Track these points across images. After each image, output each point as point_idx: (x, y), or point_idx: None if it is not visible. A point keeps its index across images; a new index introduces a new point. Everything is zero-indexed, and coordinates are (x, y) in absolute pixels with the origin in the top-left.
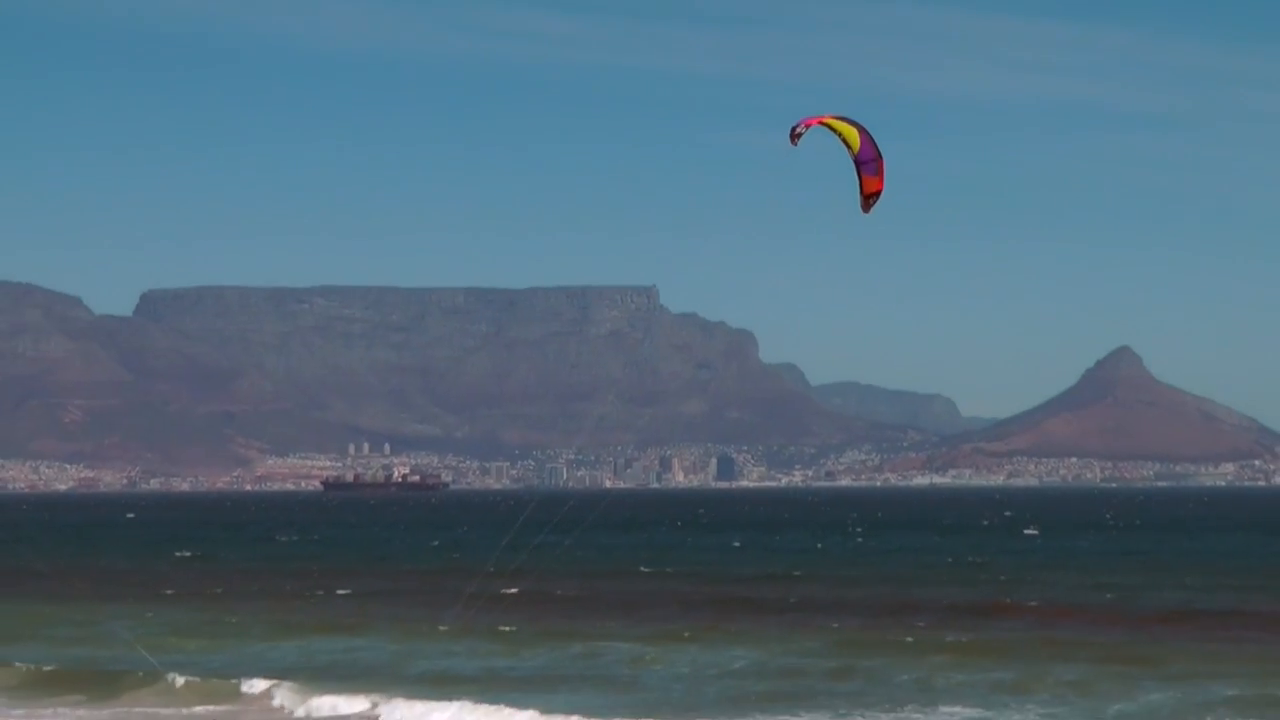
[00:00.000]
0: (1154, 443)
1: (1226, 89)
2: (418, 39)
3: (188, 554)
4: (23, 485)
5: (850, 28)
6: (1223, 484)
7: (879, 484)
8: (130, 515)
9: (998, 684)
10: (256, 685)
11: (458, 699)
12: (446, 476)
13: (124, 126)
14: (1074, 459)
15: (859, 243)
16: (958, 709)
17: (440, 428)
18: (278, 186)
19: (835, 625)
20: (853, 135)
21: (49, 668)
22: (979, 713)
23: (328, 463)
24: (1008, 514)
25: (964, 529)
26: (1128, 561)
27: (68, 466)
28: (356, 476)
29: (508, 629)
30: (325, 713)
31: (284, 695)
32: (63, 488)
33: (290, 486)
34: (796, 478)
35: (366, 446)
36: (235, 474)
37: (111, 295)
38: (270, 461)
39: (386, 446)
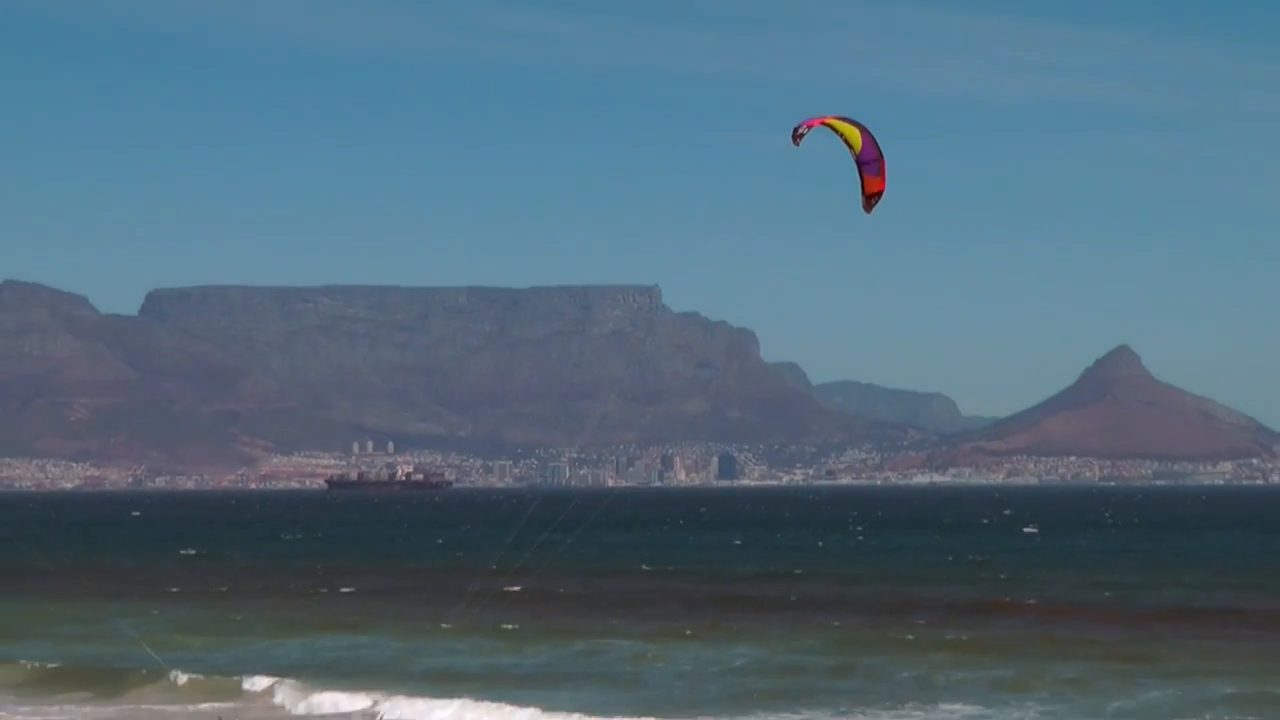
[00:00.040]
0: (1153, 442)
1: (1225, 89)
2: (421, 40)
3: (193, 552)
4: (29, 483)
5: (851, 28)
6: (1221, 483)
7: (879, 483)
8: (136, 513)
9: (998, 682)
10: (258, 683)
11: (460, 696)
12: (450, 475)
13: (130, 127)
14: (1073, 458)
15: (859, 243)
16: (958, 706)
17: (444, 426)
18: (282, 187)
19: (836, 623)
20: (854, 136)
21: (55, 665)
22: (979, 710)
23: (332, 461)
24: (1007, 513)
25: (964, 528)
26: (1126, 560)
27: (74, 465)
28: (360, 475)
29: (511, 627)
30: (326, 710)
31: (285, 693)
32: (69, 486)
33: (295, 485)
34: (797, 476)
35: (370, 445)
36: (240, 472)
37: (117, 295)
38: (275, 460)
39: (390, 445)
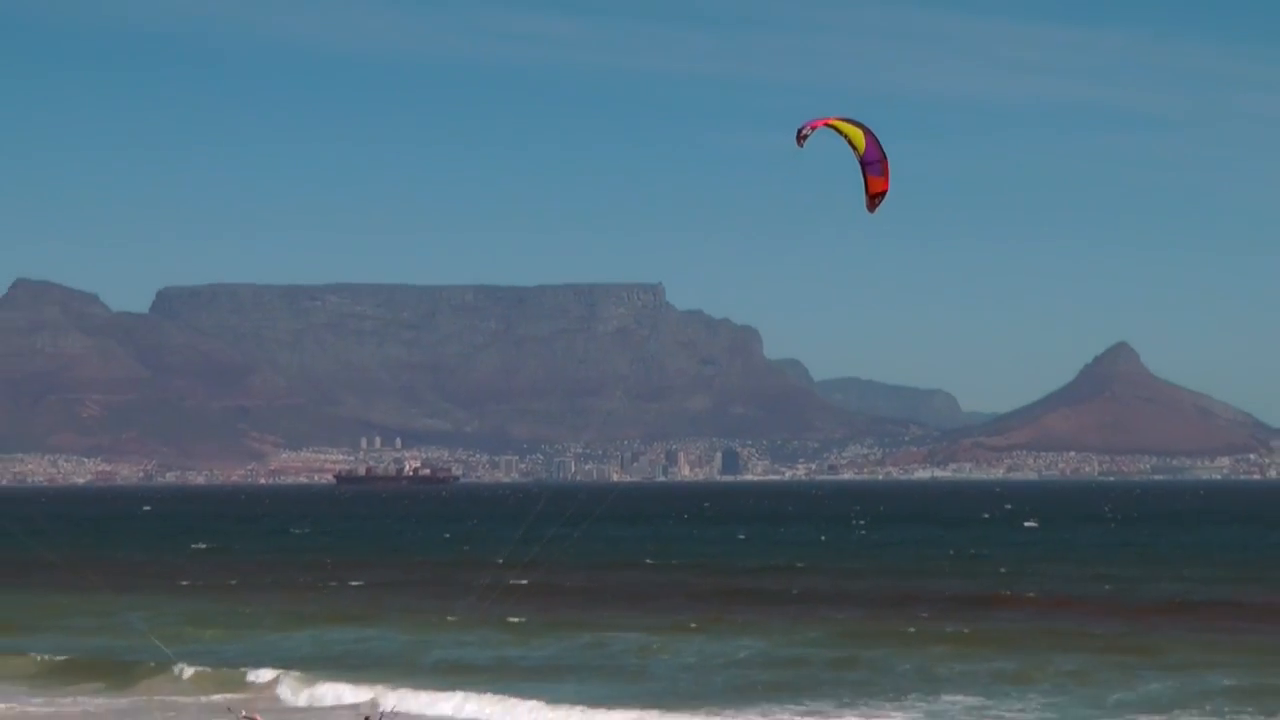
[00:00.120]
0: (1151, 437)
1: (1223, 90)
2: (428, 41)
3: (203, 546)
4: (42, 478)
5: (851, 30)
6: (1218, 477)
7: (881, 478)
8: (147, 508)
9: (999, 673)
10: (263, 675)
11: (463, 689)
12: (456, 470)
13: (140, 128)
14: (1072, 453)
15: (861, 241)
16: (959, 698)
17: (450, 422)
18: (291, 187)
19: (839, 616)
20: (858, 136)
21: (68, 657)
22: (980, 701)
23: (340, 457)
24: (1008, 507)
25: (965, 522)
26: (1126, 554)
27: (85, 460)
28: (368, 470)
29: (518, 620)
30: (329, 702)
31: (289, 684)
32: (80, 481)
33: (303, 480)
34: (800, 471)
35: (378, 441)
36: (249, 468)
37: (128, 293)
38: (284, 455)
39: (398, 441)
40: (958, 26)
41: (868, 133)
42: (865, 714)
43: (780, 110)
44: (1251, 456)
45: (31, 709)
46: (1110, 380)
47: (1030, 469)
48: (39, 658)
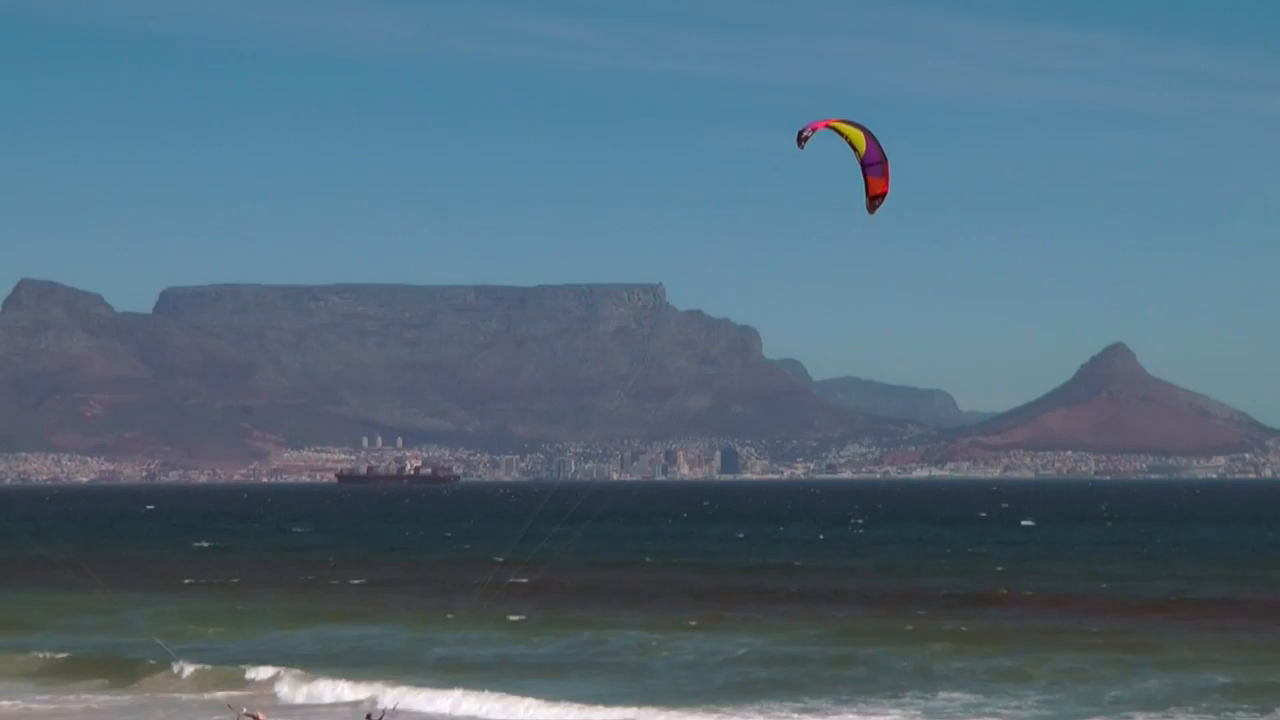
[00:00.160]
0: (1147, 436)
1: (1220, 92)
2: (430, 43)
3: (206, 545)
4: (45, 477)
5: (851, 31)
6: (1214, 476)
7: (879, 476)
8: (150, 507)
9: (996, 671)
10: (261, 672)
11: (463, 687)
12: (458, 469)
13: (144, 129)
14: (1069, 452)
15: (860, 242)
16: (957, 695)
17: (452, 422)
18: (293, 187)
19: (837, 614)
20: (859, 138)
21: (72, 655)
22: (978, 699)
23: (342, 456)
24: (1005, 506)
25: (962, 520)
26: (1122, 552)
27: (89, 459)
28: (370, 469)
29: (519, 618)
30: (328, 699)
31: (288, 682)
32: (84, 480)
33: (305, 479)
34: (799, 470)
35: (380, 440)
36: (252, 467)
37: (132, 293)
38: (286, 455)
39: (399, 440)
40: (956, 28)
41: (868, 134)
42: (864, 711)
43: (780, 111)
44: (1247, 456)
45: (36, 706)
46: (1107, 380)
47: (1027, 468)
48: (41, 655)
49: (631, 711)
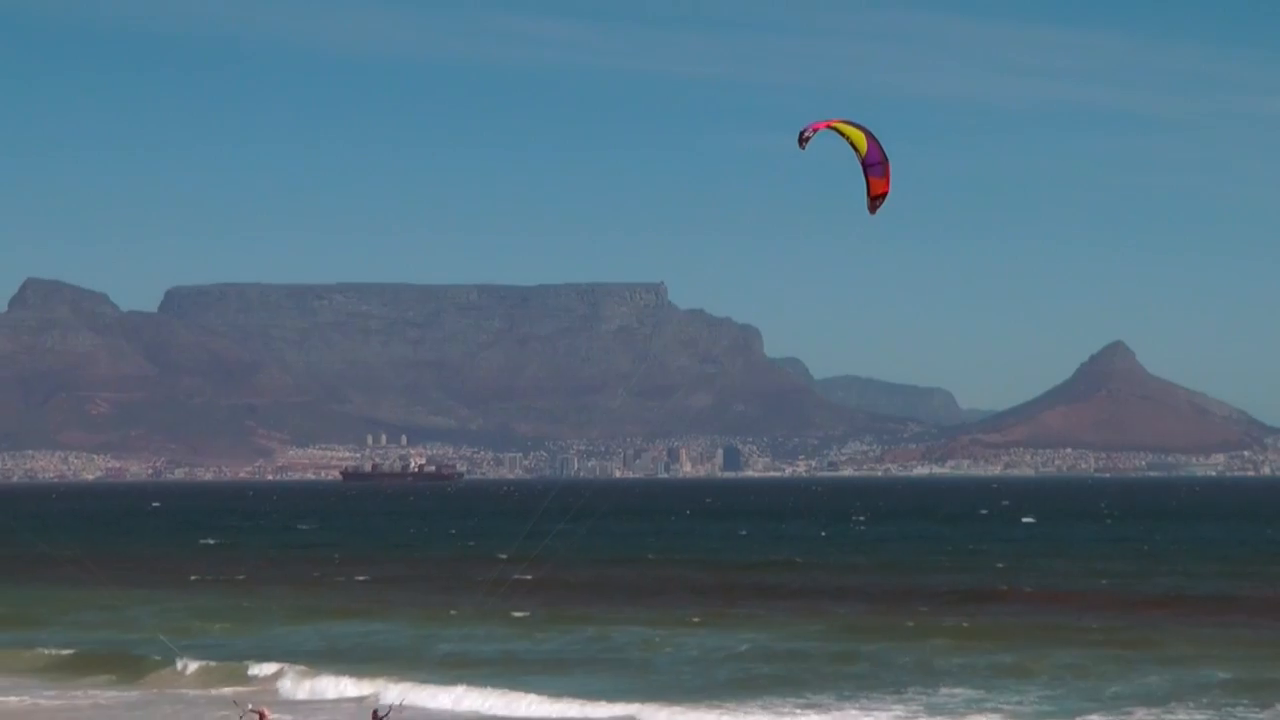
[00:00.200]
0: (1147, 434)
1: (1217, 93)
2: (433, 44)
3: (212, 542)
4: (52, 475)
5: (852, 33)
6: (1213, 474)
7: (880, 474)
8: (156, 504)
9: (997, 666)
10: (264, 669)
11: (467, 683)
12: (461, 467)
13: (149, 129)
14: (1069, 450)
15: (861, 241)
16: (959, 690)
17: (455, 420)
18: (297, 187)
19: (839, 610)
20: (860, 139)
21: (78, 651)
22: (979, 694)
23: (346, 453)
24: (1005, 503)
25: (963, 518)
26: (1122, 549)
27: (95, 457)
28: (374, 467)
29: (523, 614)
30: (330, 695)
31: (290, 678)
32: (90, 477)
33: (310, 476)
34: (800, 468)
35: (384, 438)
36: (257, 464)
37: (137, 292)
38: (291, 452)
39: (403, 438)
40: (956, 30)
41: (869, 135)
42: (866, 706)
43: (780, 112)
44: (1246, 453)
45: (43, 702)
46: (1107, 378)
47: (1027, 465)
48: (47, 652)
49: (634, 707)
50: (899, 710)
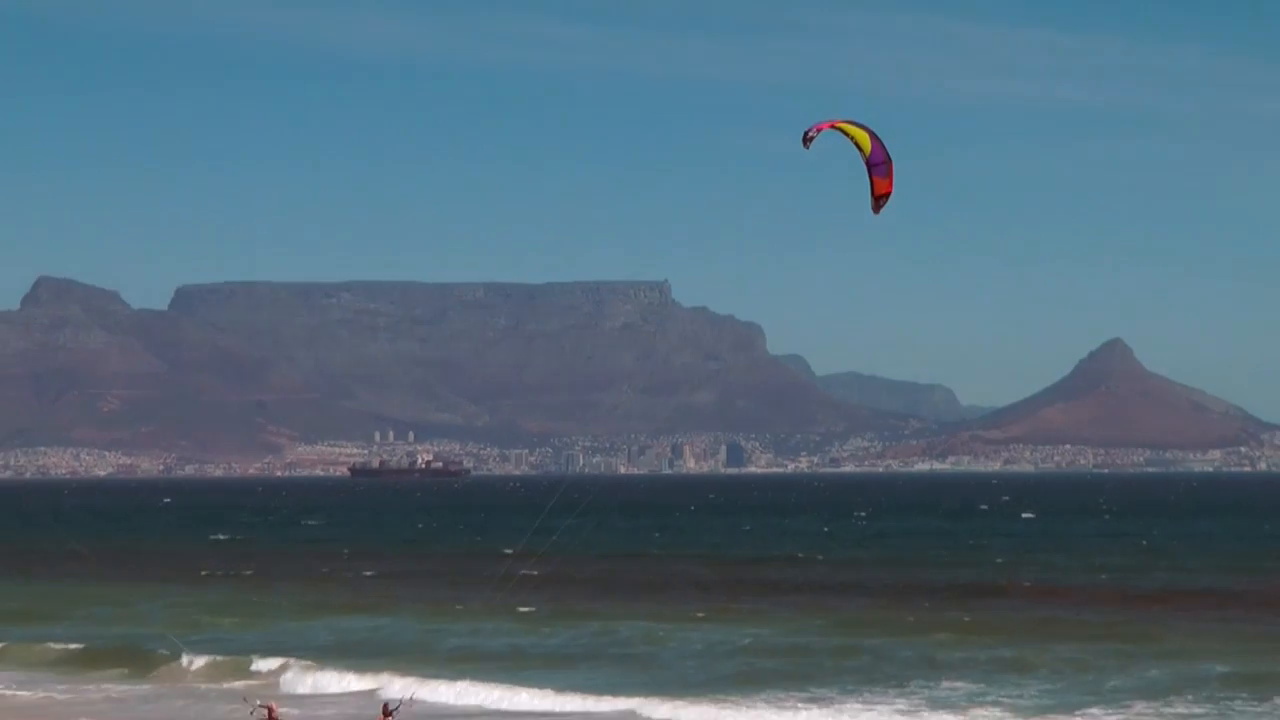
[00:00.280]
0: (1145, 430)
1: (1214, 93)
2: (439, 45)
3: (222, 537)
4: (64, 471)
5: (853, 34)
6: (1210, 470)
7: (881, 470)
8: (167, 500)
9: (998, 660)
10: (268, 663)
11: (472, 678)
12: (468, 463)
13: (160, 130)
14: (1068, 446)
15: (862, 240)
16: (960, 684)
17: (462, 417)
18: (306, 187)
19: (841, 605)
20: (864, 139)
21: (84, 646)
22: (981, 688)
23: (355, 450)
24: (1005, 499)
25: (963, 513)
26: (1121, 544)
27: (106, 453)
28: (382, 463)
29: (529, 609)
30: (333, 689)
31: (294, 672)
32: (102, 474)
33: (319, 473)
34: (802, 464)
35: (392, 434)
36: (266, 461)
37: (148, 290)
38: (300, 449)
39: (411, 434)
40: (957, 32)
41: (873, 135)
42: (868, 700)
43: (782, 112)
44: (1243, 449)
45: (56, 695)
46: (1105, 375)
47: (1027, 461)
48: (57, 646)
49: (636, 701)
50: (901, 704)
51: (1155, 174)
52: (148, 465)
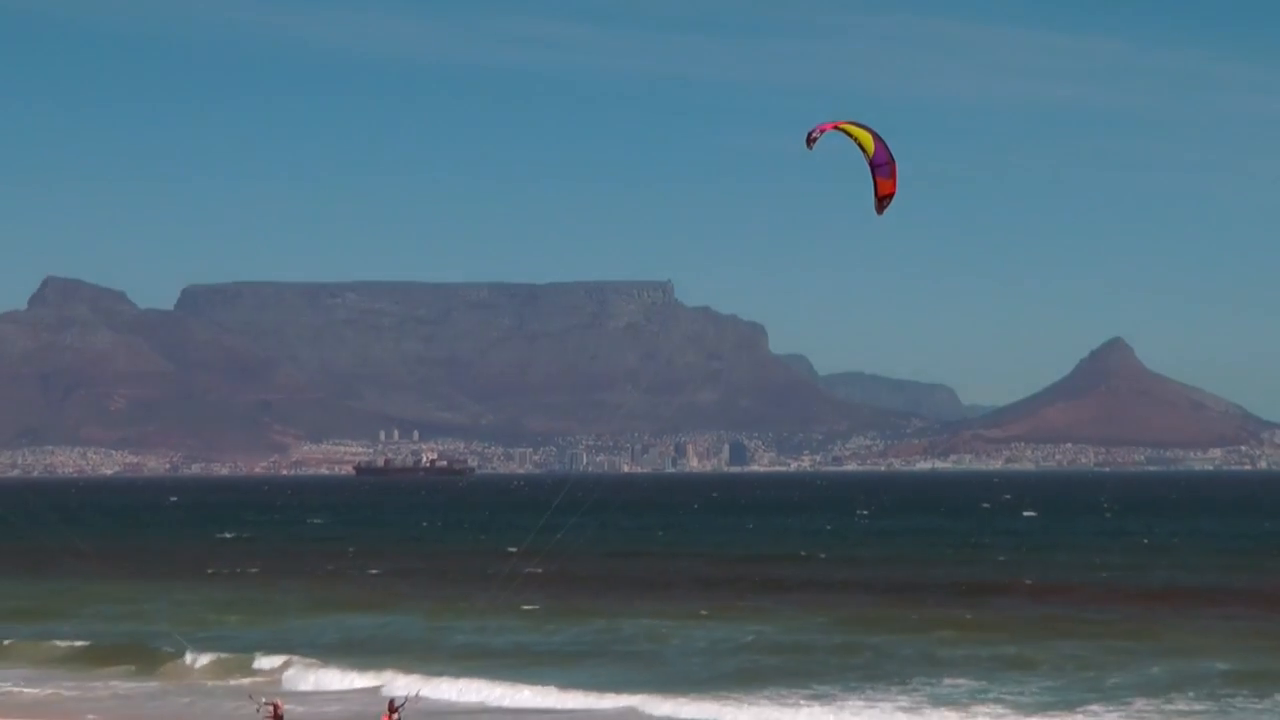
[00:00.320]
0: (1145, 429)
1: (1213, 93)
2: (444, 45)
3: (229, 535)
4: (71, 470)
5: (854, 35)
6: (1210, 468)
7: (883, 469)
8: (173, 499)
9: (1000, 658)
10: (271, 661)
11: (477, 675)
12: (472, 462)
13: (166, 132)
14: (1069, 445)
15: (865, 240)
16: (962, 681)
17: (466, 416)
18: (311, 188)
19: (843, 602)
20: (867, 140)
21: (93, 643)
22: (982, 685)
23: (360, 449)
24: (1007, 497)
25: (965, 511)
26: (1122, 542)
27: (113, 452)
28: (387, 462)
29: (532, 607)
30: (336, 686)
31: (296, 670)
32: (109, 472)
33: (324, 471)
34: (805, 463)
35: (396, 433)
36: (272, 459)
37: (155, 290)
38: (305, 448)
39: (415, 433)
40: (957, 32)
41: (876, 136)
42: (870, 698)
43: (785, 112)
44: (1242, 448)
45: (65, 692)
46: (1106, 374)
47: (1028, 460)
48: (65, 643)
49: (637, 699)
50: (903, 701)
51: (1153, 175)
52: (154, 464)
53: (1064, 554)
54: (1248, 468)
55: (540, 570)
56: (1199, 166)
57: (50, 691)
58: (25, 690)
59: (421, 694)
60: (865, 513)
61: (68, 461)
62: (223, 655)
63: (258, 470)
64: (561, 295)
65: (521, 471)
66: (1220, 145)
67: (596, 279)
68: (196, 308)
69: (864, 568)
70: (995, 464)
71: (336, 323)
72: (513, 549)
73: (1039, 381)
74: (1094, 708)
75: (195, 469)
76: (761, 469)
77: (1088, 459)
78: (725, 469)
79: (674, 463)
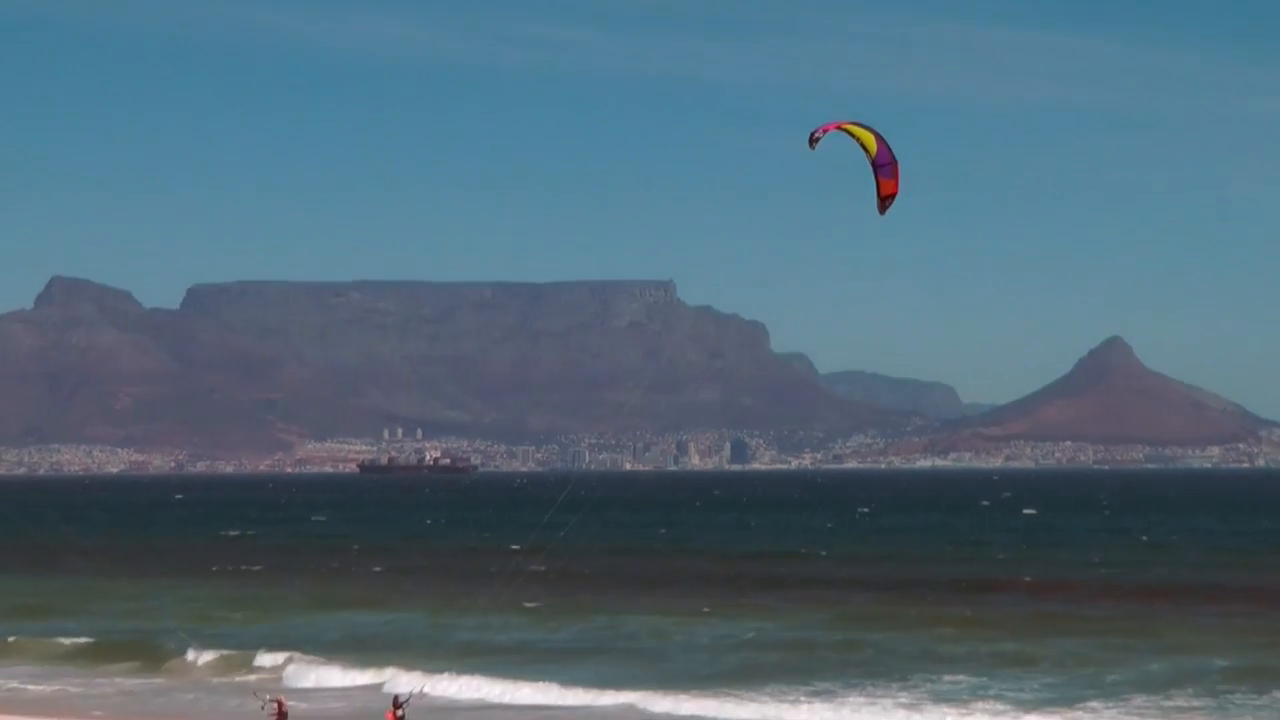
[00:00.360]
0: (1144, 427)
1: (1212, 93)
2: (447, 46)
3: (234, 533)
4: (77, 468)
5: (855, 36)
6: (1209, 466)
7: (884, 467)
8: (179, 496)
9: (1000, 655)
10: (272, 658)
11: (479, 672)
12: (475, 460)
13: (171, 131)
14: (1068, 443)
15: (866, 239)
16: (962, 678)
17: (469, 414)
18: (316, 187)
19: (844, 599)
20: (870, 140)
21: (98, 640)
22: (983, 682)
23: (363, 447)
24: (1007, 495)
25: (965, 509)
26: (1121, 539)
27: (119, 450)
28: (390, 460)
29: (535, 604)
30: (337, 683)
31: (297, 666)
32: (114, 470)
33: (328, 469)
34: (806, 461)
35: (400, 431)
36: (276, 457)
37: (160, 289)
38: (309, 446)
39: (419, 432)
40: (957, 33)
41: (879, 136)
42: (871, 694)
43: (786, 113)
44: (1241, 446)
45: (70, 689)
46: (1105, 373)
47: (1028, 458)
48: (70, 640)
49: (636, 695)
50: (904, 697)
51: (1154, 173)
52: (159, 462)
53: (1063, 551)
54: (1246, 465)
55: (543, 567)
56: (1200, 166)
57: (56, 688)
58: (31, 687)
59: (424, 691)
60: (866, 510)
61: (74, 460)
62: (226, 652)
63: (262, 468)
64: (564, 294)
65: (524, 469)
66: (1222, 144)
67: (599, 278)
68: (202, 307)
69: (865, 565)
70: (995, 462)
71: (341, 322)
72: (515, 546)
73: (1038, 380)
74: (1093, 704)
75: (200, 467)
76: (763, 467)
77: (1087, 457)
78: (727, 467)
79: (676, 460)
